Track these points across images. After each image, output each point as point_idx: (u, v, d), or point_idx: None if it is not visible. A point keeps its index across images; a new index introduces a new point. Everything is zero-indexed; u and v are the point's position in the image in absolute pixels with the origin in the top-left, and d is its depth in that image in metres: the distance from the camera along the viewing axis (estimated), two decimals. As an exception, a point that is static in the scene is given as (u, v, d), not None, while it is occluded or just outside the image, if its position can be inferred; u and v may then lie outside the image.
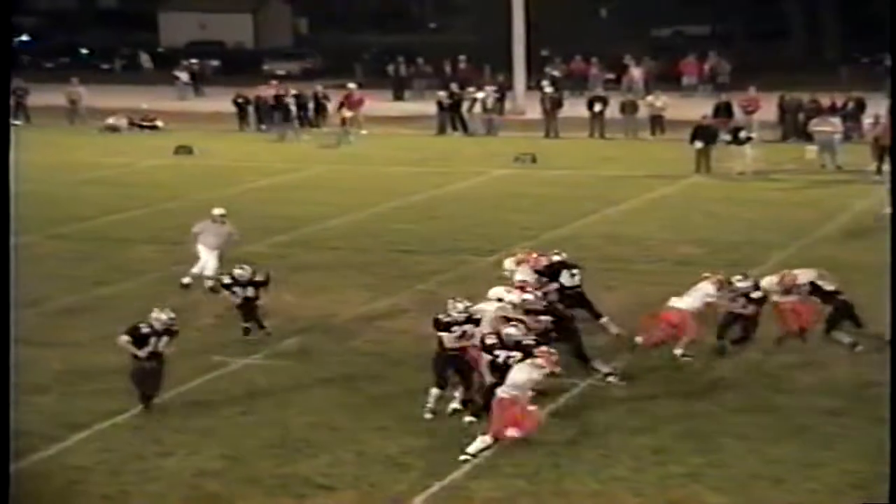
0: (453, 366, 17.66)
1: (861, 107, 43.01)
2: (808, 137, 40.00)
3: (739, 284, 20.12)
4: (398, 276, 25.38)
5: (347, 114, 45.84)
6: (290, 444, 16.76)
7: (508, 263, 21.50)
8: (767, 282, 20.30)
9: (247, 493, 15.36)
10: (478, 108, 47.68)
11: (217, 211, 24.82)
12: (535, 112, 48.65)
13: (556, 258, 21.39)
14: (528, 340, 17.25)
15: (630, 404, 17.97)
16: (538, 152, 40.65)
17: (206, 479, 15.71)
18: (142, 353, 17.76)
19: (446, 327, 17.69)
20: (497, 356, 17.09)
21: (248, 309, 21.25)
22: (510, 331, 17.33)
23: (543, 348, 16.97)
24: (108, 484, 15.62)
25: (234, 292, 21.28)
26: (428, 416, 17.42)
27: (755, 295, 19.94)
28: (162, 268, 26.21)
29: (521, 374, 16.50)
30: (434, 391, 17.59)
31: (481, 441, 16.26)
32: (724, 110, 43.36)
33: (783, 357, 19.71)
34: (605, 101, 46.33)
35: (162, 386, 18.11)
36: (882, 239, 27.91)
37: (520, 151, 40.60)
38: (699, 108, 43.12)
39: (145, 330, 17.89)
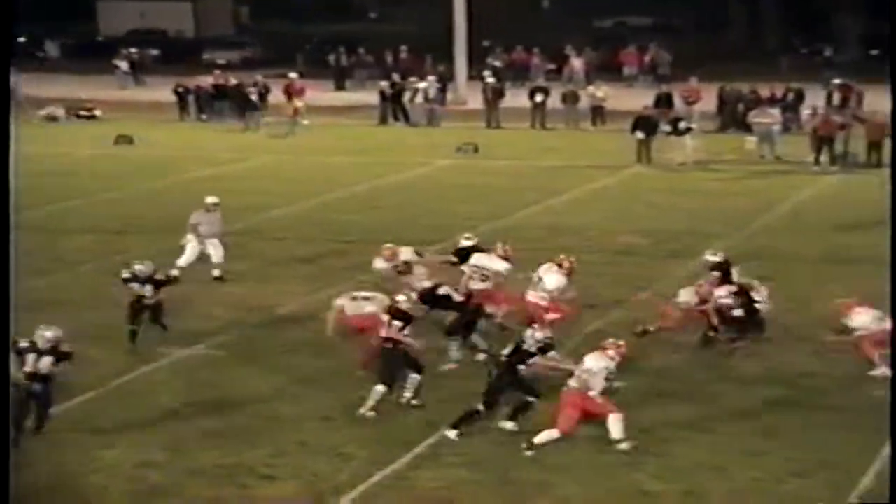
0: (397, 361, 17.61)
1: (800, 98, 43.31)
2: (747, 128, 40.28)
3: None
4: (342, 267, 25.35)
5: (298, 104, 45.82)
6: (232, 434, 16.73)
7: (379, 263, 21.57)
8: (684, 297, 20.26)
9: (189, 484, 15.32)
10: (419, 98, 47.65)
11: (210, 199, 24.74)
12: (476, 102, 48.70)
13: (466, 243, 21.53)
14: (548, 340, 17.09)
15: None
16: (480, 142, 40.68)
17: (148, 471, 15.66)
18: (16, 372, 15.92)
19: (410, 320, 17.73)
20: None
21: (139, 309, 20.12)
22: (538, 335, 17.05)
23: (611, 340, 16.97)
24: (50, 475, 15.53)
25: (131, 289, 20.18)
26: (370, 414, 17.32)
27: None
28: (102, 258, 26.06)
29: (596, 362, 16.47)
30: (378, 388, 17.53)
31: (548, 434, 16.09)
32: (664, 101, 43.55)
33: (725, 346, 19.82)
34: (546, 92, 46.43)
35: (47, 416, 16.58)
36: (820, 230, 28.31)
37: (462, 141, 40.62)
38: (640, 99, 43.35)
39: (23, 345, 16.27)
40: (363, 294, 19.82)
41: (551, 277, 20.01)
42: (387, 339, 17.65)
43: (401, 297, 18.08)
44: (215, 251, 24.39)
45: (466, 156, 39.65)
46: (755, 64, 56.27)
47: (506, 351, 16.88)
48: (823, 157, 36.63)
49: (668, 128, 38.05)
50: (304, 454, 16.10)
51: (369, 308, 19.32)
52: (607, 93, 46.27)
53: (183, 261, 23.85)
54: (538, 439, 16.06)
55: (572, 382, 16.44)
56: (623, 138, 38.74)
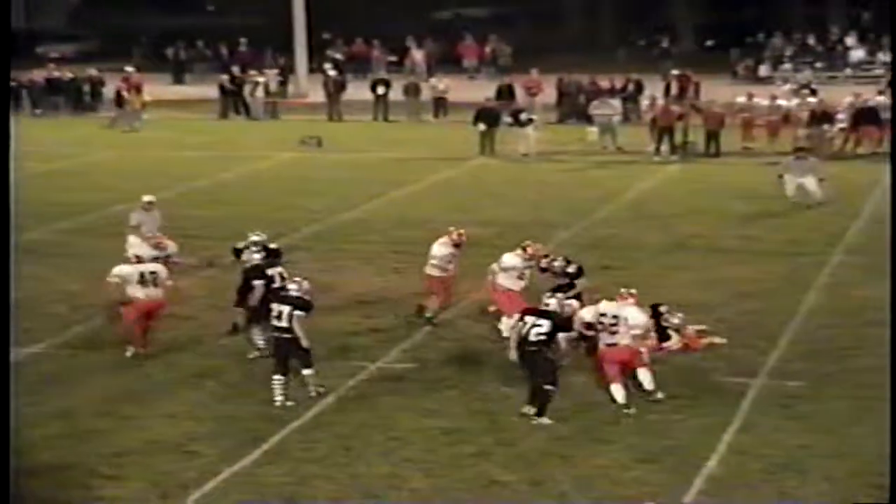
0: (289, 351, 17.54)
1: (639, 88, 43.96)
2: (588, 119, 40.76)
3: (673, 320, 19.73)
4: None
5: (147, 98, 45.34)
6: (76, 434, 16.51)
7: (142, 249, 21.50)
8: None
9: (34, 484, 15.08)
10: (260, 91, 47.42)
11: (147, 198, 24.35)
12: (318, 95, 48.61)
13: (256, 238, 21.11)
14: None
15: (420, 385, 18.12)
16: (322, 135, 40.62)
17: (-11, 473, 15.40)
18: None
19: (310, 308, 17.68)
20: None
21: None
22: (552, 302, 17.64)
23: (624, 290, 17.88)
24: None
25: None
26: (278, 403, 17.34)
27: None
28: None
29: (639, 316, 17.44)
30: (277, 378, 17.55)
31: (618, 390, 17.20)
32: (506, 92, 43.93)
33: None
34: (387, 84, 46.52)
35: None
36: (662, 219, 28.75)
37: (305, 135, 40.52)
38: (482, 91, 43.68)
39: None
40: (141, 271, 19.61)
41: (509, 257, 20.23)
42: (282, 329, 17.54)
43: (291, 286, 17.94)
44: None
45: (309, 149, 39.56)
46: (593, 55, 56.90)
47: (543, 330, 16.90)
48: (664, 147, 37.24)
49: (510, 119, 38.37)
50: (149, 453, 15.94)
51: (159, 291, 19.41)
52: (449, 85, 46.48)
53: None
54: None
55: (622, 340, 17.24)
56: (466, 130, 38.96)
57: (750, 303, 21.72)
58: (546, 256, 20.51)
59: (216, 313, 21.06)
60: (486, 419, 16.79)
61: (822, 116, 37.12)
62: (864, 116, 36.93)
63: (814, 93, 40.43)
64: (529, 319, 17.06)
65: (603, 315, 17.56)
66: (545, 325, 16.93)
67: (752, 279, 23.31)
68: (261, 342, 19.10)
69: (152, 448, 16.11)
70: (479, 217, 29.09)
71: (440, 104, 45.81)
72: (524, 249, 20.35)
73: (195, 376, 18.46)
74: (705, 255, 25.38)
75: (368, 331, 20.61)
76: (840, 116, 37.30)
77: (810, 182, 29.68)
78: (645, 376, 17.48)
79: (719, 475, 15.16)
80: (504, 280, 20.08)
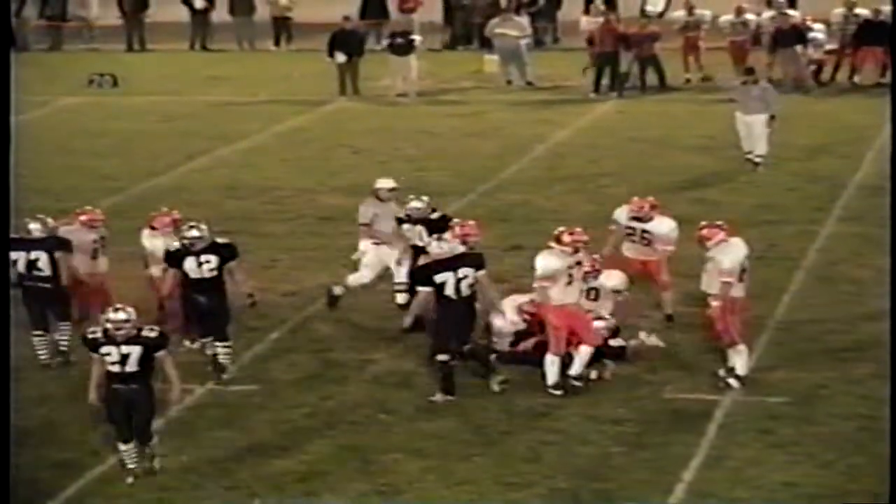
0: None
1: (556, 1, 44.11)
2: (486, 43, 40.86)
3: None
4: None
5: None
6: None
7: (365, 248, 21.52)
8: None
9: None
10: (29, 11, 47.00)
11: (385, 183, 21.93)
12: (111, 15, 48.23)
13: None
14: None
15: (267, 415, 18.15)
16: (120, 72, 40.45)
17: None
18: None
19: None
20: None
21: None
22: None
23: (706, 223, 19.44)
24: None
25: None
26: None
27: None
28: None
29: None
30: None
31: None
32: (374, 8, 43.86)
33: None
34: (208, -2, 46.41)
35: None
36: (590, 179, 28.95)
37: (94, 71, 40.34)
38: (339, 7, 43.56)
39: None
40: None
41: (543, 259, 18.41)
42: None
43: None
44: (398, 264, 21.49)
45: (102, 91, 39.46)
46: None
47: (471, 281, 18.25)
48: (604, 82, 37.30)
49: (383, 44, 38.41)
50: None
51: None
52: (294, -1, 46.51)
53: (353, 279, 21.74)
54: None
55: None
56: (319, 62, 38.95)
57: (712, 291, 21.94)
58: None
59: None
60: (357, 459, 16.86)
61: (790, 34, 37.04)
62: (866, 34, 37.15)
63: (793, 2, 40.80)
64: (446, 276, 18.09)
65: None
66: (469, 272, 18.22)
67: (714, 259, 23.53)
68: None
69: None
70: (339, 182, 29.21)
71: (282, 26, 45.71)
72: (558, 240, 18.46)
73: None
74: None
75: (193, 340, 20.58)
76: (819, 36, 37.46)
77: (759, 124, 29.10)
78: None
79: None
80: (550, 292, 18.39)
